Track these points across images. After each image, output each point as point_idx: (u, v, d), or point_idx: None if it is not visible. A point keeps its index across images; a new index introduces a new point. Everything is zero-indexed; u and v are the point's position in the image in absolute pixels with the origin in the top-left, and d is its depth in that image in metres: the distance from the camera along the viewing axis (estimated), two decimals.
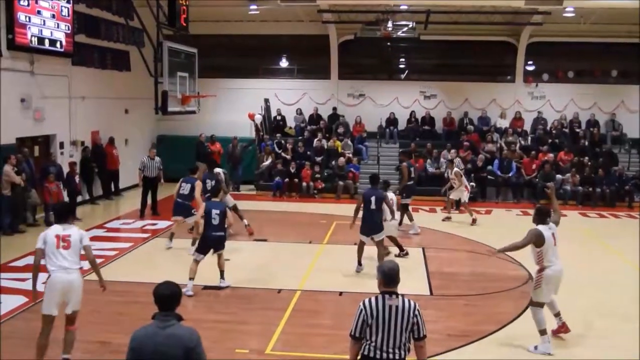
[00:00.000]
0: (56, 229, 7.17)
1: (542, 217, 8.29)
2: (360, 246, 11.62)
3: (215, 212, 10.34)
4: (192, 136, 22.05)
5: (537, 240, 8.07)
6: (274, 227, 15.04)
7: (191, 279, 10.16)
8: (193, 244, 12.70)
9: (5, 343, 7.99)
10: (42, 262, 7.15)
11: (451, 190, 17.05)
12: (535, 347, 8.08)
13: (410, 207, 15.59)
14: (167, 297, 4.53)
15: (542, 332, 8.05)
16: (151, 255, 12.96)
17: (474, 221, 16.52)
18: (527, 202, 20.04)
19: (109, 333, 8.43)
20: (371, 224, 11.36)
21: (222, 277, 10.63)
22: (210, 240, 10.40)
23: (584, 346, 8.35)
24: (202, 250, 10.45)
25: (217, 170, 14.94)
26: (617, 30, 22.08)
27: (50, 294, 7.14)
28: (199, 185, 13.11)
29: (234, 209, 13.89)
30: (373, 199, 11.30)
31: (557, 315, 8.48)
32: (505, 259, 12.89)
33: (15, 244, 13.45)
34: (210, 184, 13.69)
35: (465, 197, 16.82)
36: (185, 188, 13.18)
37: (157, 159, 16.76)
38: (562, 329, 8.47)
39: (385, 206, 11.50)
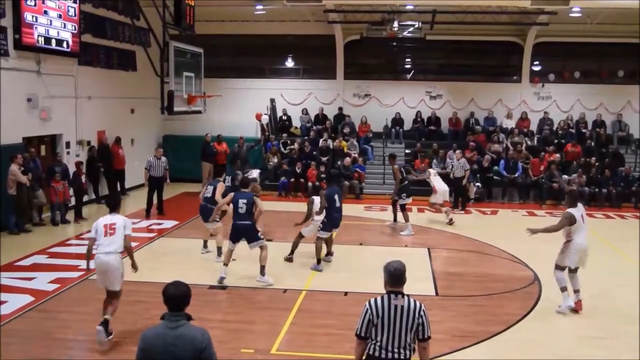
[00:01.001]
0: (105, 219, 8.25)
1: (573, 200, 9.61)
2: (321, 244, 12.01)
3: (242, 201, 10.58)
4: (198, 136, 22.07)
5: (569, 221, 9.28)
6: (279, 227, 15.02)
7: (225, 264, 10.77)
8: (205, 246, 12.84)
9: (11, 342, 8.02)
10: None
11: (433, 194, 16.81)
12: (559, 307, 9.51)
13: (406, 207, 15.60)
14: (177, 297, 4.52)
15: (563, 289, 9.49)
16: (157, 255, 12.96)
17: (450, 221, 16.45)
18: (533, 203, 20.01)
19: (115, 332, 8.43)
20: (338, 218, 12.19)
21: (261, 272, 10.81)
22: (238, 229, 10.64)
23: (586, 346, 8.32)
24: (232, 238, 10.75)
25: (253, 171, 15.48)
26: (623, 30, 21.98)
27: (97, 272, 8.27)
28: (220, 186, 12.75)
29: None
30: (337, 197, 12.03)
31: (576, 291, 9.54)
32: (511, 259, 12.90)
33: (22, 243, 13.51)
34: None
35: (434, 198, 16.72)
36: (209, 190, 12.75)
37: (164, 158, 16.79)
38: (577, 305, 9.50)
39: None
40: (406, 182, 15.53)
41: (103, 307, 8.23)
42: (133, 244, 12.26)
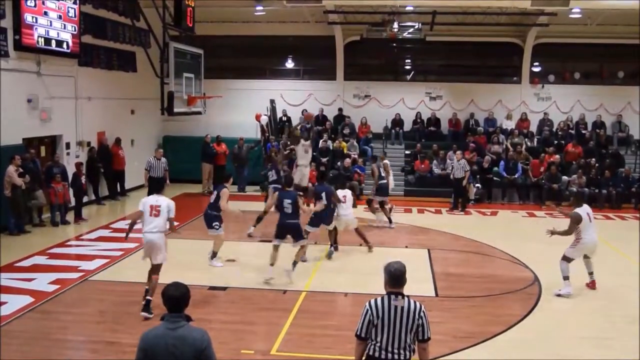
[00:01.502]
0: (151, 200, 9.36)
1: (579, 201, 10.73)
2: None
3: (287, 201, 10.80)
4: (198, 137, 22.07)
5: (577, 221, 10.28)
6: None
7: (271, 264, 10.84)
8: (213, 256, 12.15)
9: (11, 342, 8.02)
10: None
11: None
12: (560, 290, 10.35)
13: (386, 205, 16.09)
14: (177, 298, 4.53)
15: (566, 278, 10.34)
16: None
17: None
18: (532, 204, 20.01)
19: (114, 333, 8.45)
20: (326, 216, 12.68)
21: (294, 266, 11.12)
22: (286, 228, 10.92)
23: (586, 346, 8.32)
24: (279, 235, 10.97)
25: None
26: (623, 31, 21.99)
27: (144, 248, 9.38)
28: (225, 193, 11.80)
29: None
30: (324, 194, 12.42)
31: (590, 273, 10.74)
32: (511, 260, 12.90)
33: (22, 244, 13.51)
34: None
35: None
36: (213, 196, 12.16)
37: (164, 159, 16.69)
38: (591, 284, 10.72)
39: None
40: (384, 181, 15.98)
41: (147, 279, 9.32)
42: (132, 245, 12.41)
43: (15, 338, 8.24)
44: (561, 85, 23.98)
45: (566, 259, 10.42)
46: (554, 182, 19.85)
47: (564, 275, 10.38)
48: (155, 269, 9.27)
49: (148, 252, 9.32)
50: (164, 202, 9.32)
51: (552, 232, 10.44)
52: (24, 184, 14.42)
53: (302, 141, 15.88)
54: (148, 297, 9.05)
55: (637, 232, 15.53)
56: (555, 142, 22.13)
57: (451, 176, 18.83)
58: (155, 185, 10.32)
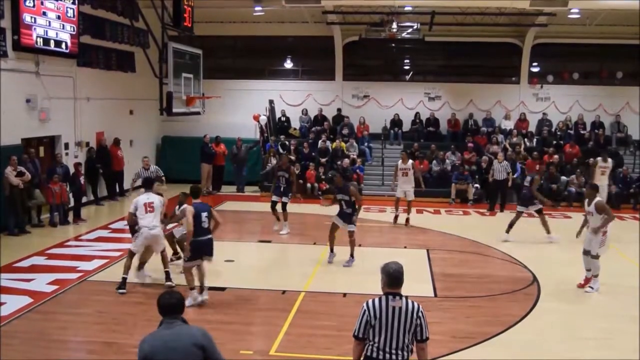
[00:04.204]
0: (143, 198, 10.25)
1: (596, 191, 10.84)
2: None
3: (204, 215, 9.61)
4: (196, 137, 22.07)
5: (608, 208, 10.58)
6: (282, 227, 15.02)
7: (192, 289, 9.58)
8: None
9: (10, 343, 8.02)
10: None
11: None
12: (591, 288, 10.59)
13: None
14: (173, 305, 4.63)
15: (597, 275, 10.59)
16: (155, 256, 12.94)
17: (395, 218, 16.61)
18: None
19: (113, 333, 8.45)
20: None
21: (201, 290, 9.78)
22: (203, 245, 9.65)
23: (585, 347, 8.32)
24: (196, 254, 9.60)
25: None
26: (622, 31, 22.03)
27: (138, 240, 10.25)
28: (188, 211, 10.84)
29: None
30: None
31: (588, 270, 10.73)
32: (510, 260, 12.91)
33: (20, 245, 13.50)
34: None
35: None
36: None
37: (153, 167, 15.35)
38: (585, 282, 10.78)
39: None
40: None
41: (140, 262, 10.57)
42: (130, 246, 12.41)
43: (14, 338, 8.24)
44: (560, 85, 23.99)
45: (597, 257, 10.54)
46: (552, 183, 19.84)
47: (595, 273, 10.61)
48: (163, 256, 10.47)
49: (150, 245, 10.31)
50: (156, 198, 10.34)
51: (595, 231, 10.45)
52: (22, 184, 14.42)
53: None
54: (166, 270, 10.38)
55: (635, 232, 15.54)
56: (554, 142, 22.14)
57: (490, 178, 18.88)
58: (145, 184, 10.96)
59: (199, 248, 9.59)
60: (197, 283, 9.72)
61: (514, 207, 19.53)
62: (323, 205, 13.55)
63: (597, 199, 10.62)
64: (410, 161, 16.71)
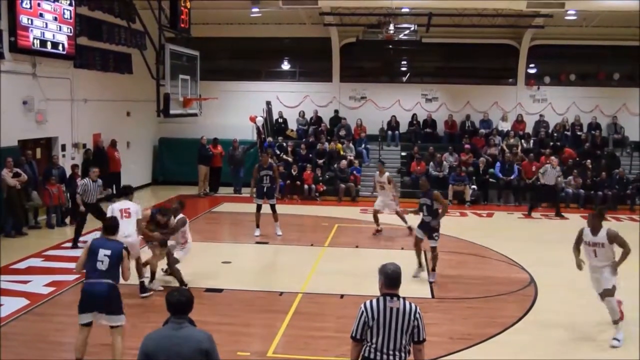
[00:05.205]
0: (120, 204, 10.05)
1: (603, 218, 8.77)
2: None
3: (103, 252, 7.12)
4: (193, 139, 22.04)
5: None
6: (275, 229, 14.99)
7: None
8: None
9: (7, 345, 7.99)
10: None
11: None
12: (617, 340, 8.34)
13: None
14: (183, 303, 4.61)
15: (617, 321, 8.48)
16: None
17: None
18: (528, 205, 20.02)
19: (110, 336, 8.39)
20: None
21: None
22: (95, 295, 7.06)
23: (584, 347, 8.32)
24: (86, 307, 7.16)
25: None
26: (619, 33, 22.07)
27: None
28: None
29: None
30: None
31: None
32: (507, 261, 12.91)
33: (17, 246, 13.47)
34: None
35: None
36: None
37: (100, 180, 14.13)
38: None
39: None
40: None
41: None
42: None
43: (11, 340, 8.22)
44: (557, 86, 24.03)
45: (612, 293, 8.46)
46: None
47: (615, 317, 8.48)
48: (139, 262, 10.14)
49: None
50: (132, 205, 10.15)
51: (614, 266, 8.46)
52: (19, 184, 14.39)
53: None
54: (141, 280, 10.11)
55: (632, 233, 15.56)
56: (551, 143, 22.17)
57: (539, 182, 18.85)
58: (122, 191, 10.75)
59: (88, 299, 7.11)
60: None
61: (512, 208, 19.69)
62: (409, 213, 12.68)
63: (606, 227, 8.54)
64: (387, 174, 15.55)
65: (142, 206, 10.84)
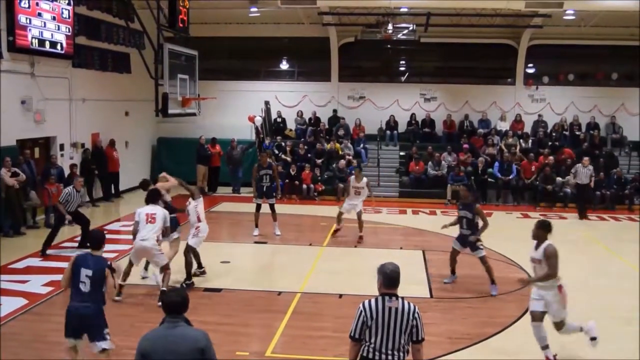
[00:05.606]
0: (147, 209, 9.83)
1: (548, 231, 7.81)
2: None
3: (85, 272, 6.56)
4: (192, 138, 22.04)
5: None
6: (274, 229, 15.00)
7: None
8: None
9: (5, 345, 7.98)
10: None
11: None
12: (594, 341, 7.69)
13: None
14: (179, 303, 4.63)
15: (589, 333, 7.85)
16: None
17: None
18: (527, 205, 20.05)
19: (111, 334, 8.39)
20: None
21: None
22: (79, 317, 6.53)
23: (583, 348, 8.32)
24: (72, 331, 6.60)
25: None
26: (617, 33, 22.09)
27: (132, 251, 10.04)
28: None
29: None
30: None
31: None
32: (506, 261, 12.92)
33: (16, 246, 13.45)
34: None
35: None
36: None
37: (82, 190, 14.05)
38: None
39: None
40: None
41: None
42: (128, 247, 12.34)
43: (9, 340, 8.20)
44: (555, 86, 24.04)
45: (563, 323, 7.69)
46: (548, 184, 19.89)
47: (592, 335, 7.76)
48: (162, 268, 9.87)
49: (137, 258, 10.05)
50: (160, 211, 9.86)
51: (525, 283, 8.20)
52: (17, 184, 14.38)
53: None
54: (162, 288, 9.60)
55: (631, 233, 15.59)
56: (550, 143, 22.19)
57: (571, 181, 18.87)
58: (149, 196, 10.11)
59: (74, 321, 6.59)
60: None
61: (510, 208, 19.70)
62: (447, 226, 11.72)
63: (548, 242, 7.65)
64: (365, 180, 14.90)
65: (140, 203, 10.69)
